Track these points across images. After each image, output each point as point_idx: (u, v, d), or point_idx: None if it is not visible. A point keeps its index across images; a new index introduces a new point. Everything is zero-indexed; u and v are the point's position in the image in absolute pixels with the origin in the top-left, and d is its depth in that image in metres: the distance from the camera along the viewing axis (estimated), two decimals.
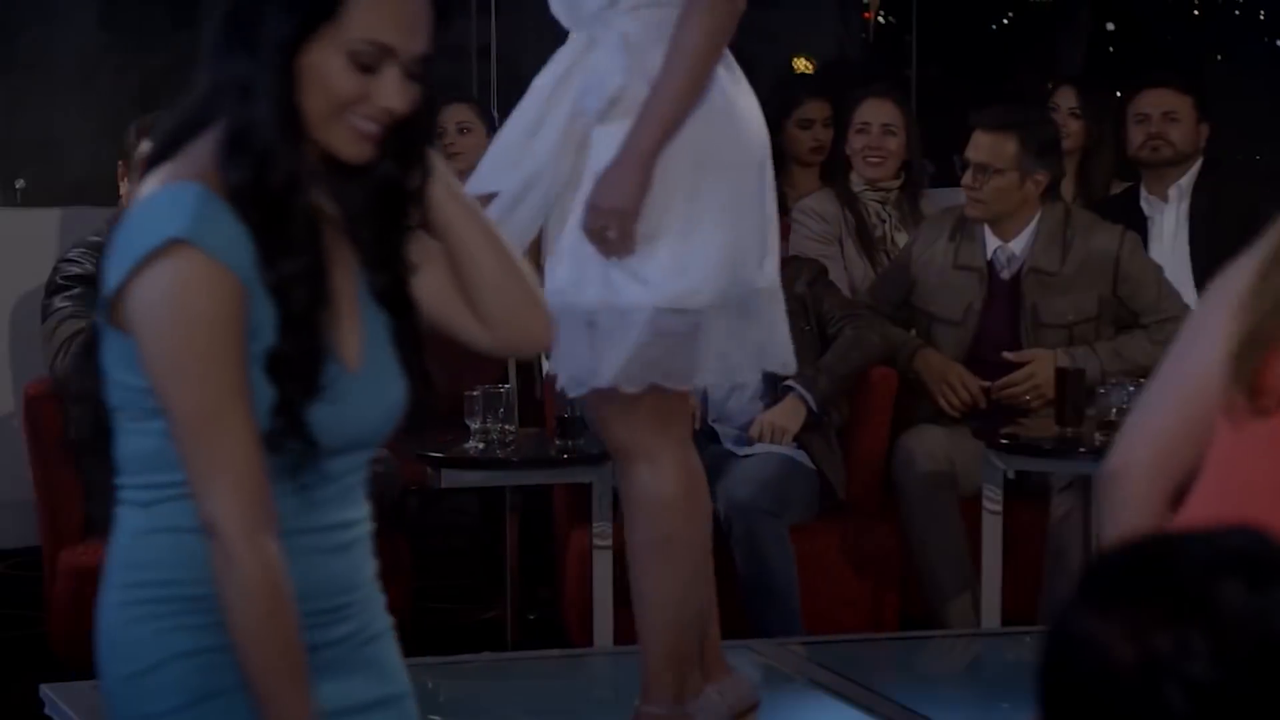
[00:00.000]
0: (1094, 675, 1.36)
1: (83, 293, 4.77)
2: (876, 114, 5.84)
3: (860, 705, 3.95)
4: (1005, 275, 5.24)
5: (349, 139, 2.15)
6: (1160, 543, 1.40)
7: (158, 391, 2.08)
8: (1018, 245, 5.23)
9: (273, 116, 2.11)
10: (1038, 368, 5.12)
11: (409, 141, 2.20)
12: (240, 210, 2.09)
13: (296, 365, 2.11)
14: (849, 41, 8.01)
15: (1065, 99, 6.14)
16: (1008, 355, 5.18)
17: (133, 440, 2.15)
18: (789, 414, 5.05)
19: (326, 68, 2.12)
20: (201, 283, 2.06)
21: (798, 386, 5.05)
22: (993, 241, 5.25)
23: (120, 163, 4.94)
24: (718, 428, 5.17)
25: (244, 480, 2.06)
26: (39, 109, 6.84)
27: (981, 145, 5.16)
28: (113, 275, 2.10)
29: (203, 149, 2.14)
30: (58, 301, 4.78)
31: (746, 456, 5.05)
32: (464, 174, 6.63)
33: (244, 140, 2.11)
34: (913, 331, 5.38)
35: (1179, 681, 1.33)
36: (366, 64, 2.13)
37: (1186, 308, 5.30)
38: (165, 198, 2.10)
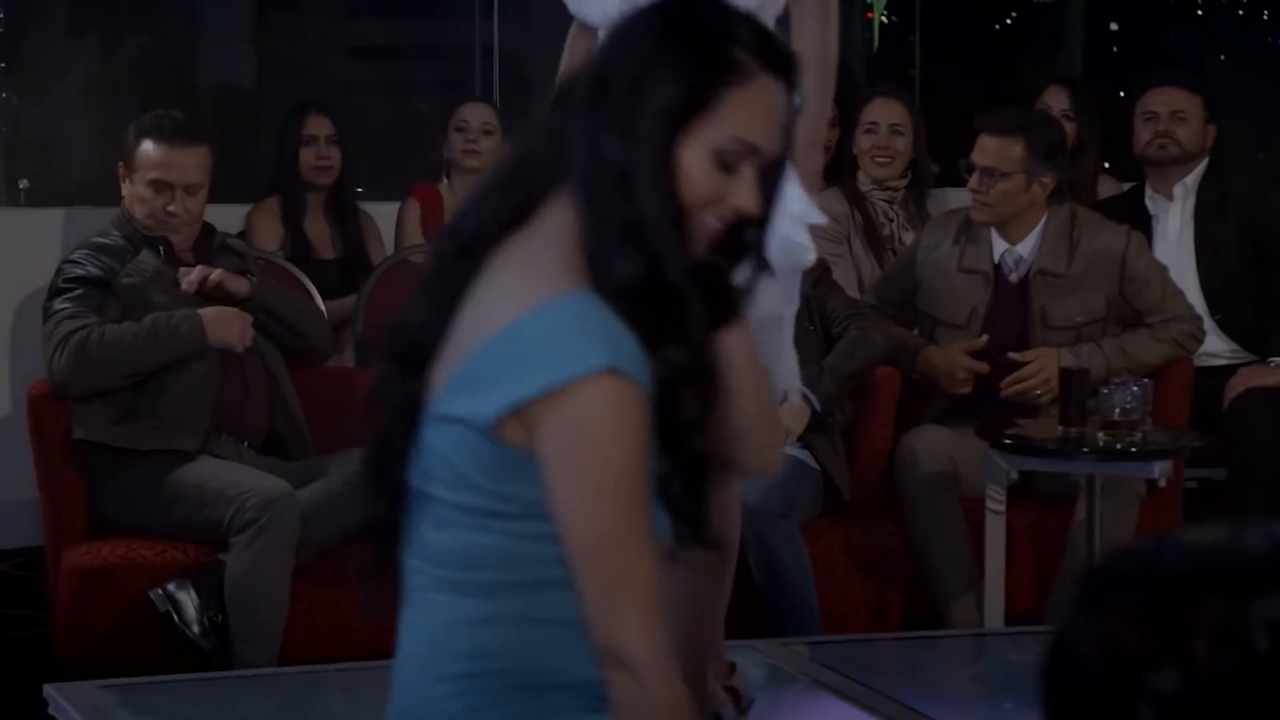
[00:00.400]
0: (1072, 678, 1.36)
1: (84, 294, 4.77)
2: (884, 113, 5.84)
3: (863, 705, 3.95)
4: (1014, 278, 5.23)
5: (694, 236, 2.08)
6: (1154, 549, 1.40)
7: (561, 511, 2.02)
8: (1025, 248, 5.23)
9: (662, 211, 2.04)
10: (1044, 363, 5.11)
11: (743, 240, 2.13)
12: (627, 311, 2.02)
13: (693, 474, 2.07)
14: (853, 41, 7.99)
15: (1057, 100, 6.14)
16: (1013, 355, 5.17)
17: (479, 536, 2.08)
18: (794, 415, 5.05)
19: (690, 163, 2.06)
20: (625, 410, 1.99)
21: (802, 387, 5.04)
22: (1000, 245, 5.25)
23: (121, 164, 4.93)
24: None
25: (651, 608, 2.01)
26: (42, 109, 6.84)
27: (987, 149, 5.16)
28: (512, 390, 2.02)
29: (555, 236, 2.06)
30: (58, 303, 4.78)
31: None
32: (478, 175, 6.68)
33: (633, 235, 2.04)
34: (915, 332, 5.38)
35: (1146, 692, 1.32)
36: (729, 163, 2.07)
37: (1191, 308, 5.30)
38: (571, 314, 2.02)
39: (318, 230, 6.19)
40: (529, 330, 2.02)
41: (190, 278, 4.82)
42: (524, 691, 2.09)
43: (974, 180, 5.19)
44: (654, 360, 2.03)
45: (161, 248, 4.85)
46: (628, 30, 2.12)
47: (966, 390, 5.18)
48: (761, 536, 4.87)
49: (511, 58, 7.17)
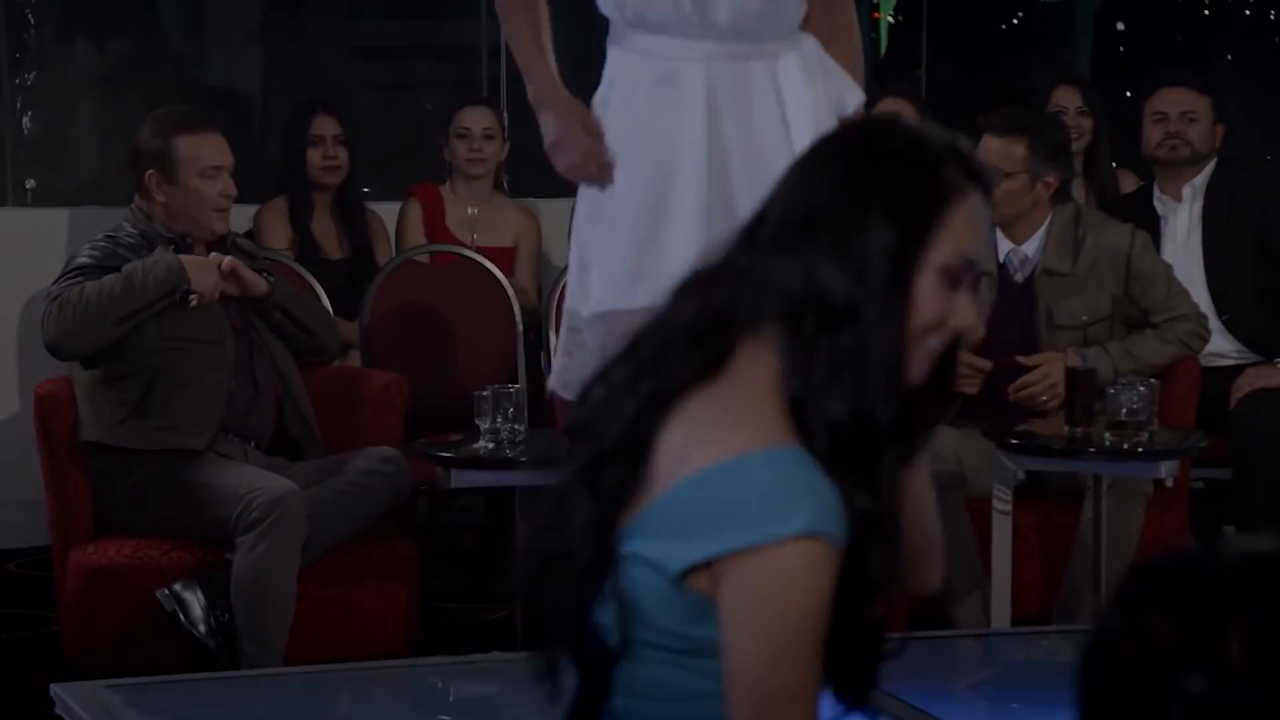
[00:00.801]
0: (1106, 673, 1.36)
1: (85, 279, 4.77)
2: (892, 113, 5.85)
3: (869, 705, 3.94)
4: (1019, 278, 5.23)
5: (918, 364, 2.02)
6: (1199, 550, 1.40)
7: (730, 662, 1.97)
8: (1030, 247, 5.22)
9: (892, 343, 1.97)
10: (1051, 367, 5.11)
11: (952, 362, 2.08)
12: (831, 459, 1.96)
13: (868, 639, 2.05)
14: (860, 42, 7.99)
15: (1069, 99, 6.15)
16: (1021, 359, 5.17)
17: (662, 670, 2.04)
18: None
19: (921, 289, 2.00)
20: (816, 573, 1.94)
21: None
22: (1005, 245, 5.24)
23: (151, 173, 4.82)
24: None
25: None
26: (47, 110, 6.85)
27: (990, 149, 5.16)
28: (705, 545, 1.96)
29: (756, 383, 2.00)
30: (56, 286, 4.79)
31: None
32: (482, 180, 6.72)
33: (849, 372, 1.97)
34: None
35: (1178, 691, 1.33)
36: (954, 281, 2.02)
37: (1195, 307, 5.30)
38: (772, 469, 1.95)
39: (325, 230, 6.19)
40: (727, 481, 1.96)
41: (223, 265, 4.83)
42: None
43: None
44: (848, 511, 1.97)
45: (174, 246, 4.84)
46: (825, 165, 2.05)
47: (973, 390, 5.18)
48: None
49: None
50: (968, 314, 2.03)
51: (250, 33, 7.38)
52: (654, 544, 2.01)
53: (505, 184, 6.45)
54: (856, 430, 1.97)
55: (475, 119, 6.22)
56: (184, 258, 4.78)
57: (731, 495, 1.96)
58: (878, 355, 1.97)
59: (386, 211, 6.32)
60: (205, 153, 4.84)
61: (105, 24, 7.07)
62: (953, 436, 5.12)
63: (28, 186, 6.70)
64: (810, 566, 1.93)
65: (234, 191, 4.89)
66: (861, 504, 1.98)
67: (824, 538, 1.94)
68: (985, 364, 5.17)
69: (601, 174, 3.55)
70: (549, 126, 3.62)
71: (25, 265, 6.43)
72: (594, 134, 3.60)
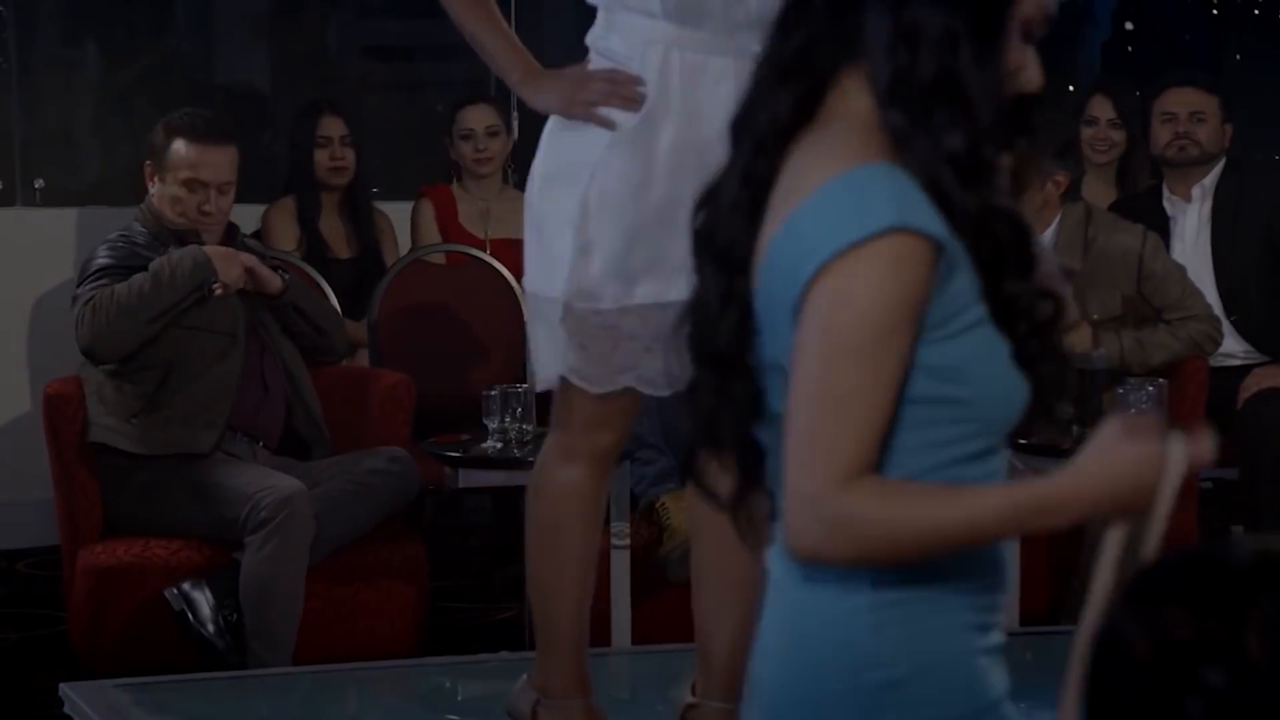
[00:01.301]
0: (1120, 670, 1.36)
1: (110, 281, 4.77)
2: None
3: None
4: None
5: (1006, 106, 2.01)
6: (1213, 546, 1.40)
7: (800, 366, 1.91)
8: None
9: (991, 79, 1.96)
10: None
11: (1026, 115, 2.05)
12: (937, 180, 1.93)
13: (1041, 331, 1.98)
14: None
15: (1103, 110, 6.17)
16: None
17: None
18: None
19: (1009, 32, 1.99)
20: (904, 270, 1.89)
21: None
22: None
23: (148, 163, 4.90)
24: None
25: (846, 469, 1.89)
26: (57, 110, 6.85)
27: None
28: (802, 269, 1.92)
29: (852, 119, 1.98)
30: (84, 289, 4.78)
31: None
32: (489, 178, 6.70)
33: (950, 105, 1.95)
34: None
35: (1196, 685, 1.32)
36: (1028, 35, 2.02)
37: (1210, 309, 5.30)
38: (866, 178, 1.93)
39: (333, 230, 6.20)
40: (819, 203, 1.93)
41: (243, 257, 4.84)
42: (924, 604, 2.01)
43: None
44: (970, 231, 1.94)
45: (182, 244, 4.85)
46: None
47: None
48: None
49: None
50: (1036, 68, 2.03)
51: (259, 33, 7.38)
52: (774, 291, 1.97)
53: (512, 179, 6.45)
54: (967, 160, 1.94)
55: (478, 118, 6.22)
56: (208, 249, 4.79)
57: (821, 215, 1.93)
58: (982, 84, 1.95)
59: (394, 211, 6.32)
60: (194, 161, 4.84)
61: (114, 25, 7.08)
62: None
63: (37, 186, 6.71)
64: (896, 261, 1.89)
65: (218, 210, 4.86)
66: (972, 205, 1.94)
67: (913, 231, 1.90)
68: None
69: (635, 96, 3.28)
70: (555, 85, 3.34)
71: (34, 265, 6.44)
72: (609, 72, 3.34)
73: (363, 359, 5.90)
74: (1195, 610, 1.35)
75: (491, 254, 6.06)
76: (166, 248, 4.82)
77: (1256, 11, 9.52)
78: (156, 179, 4.88)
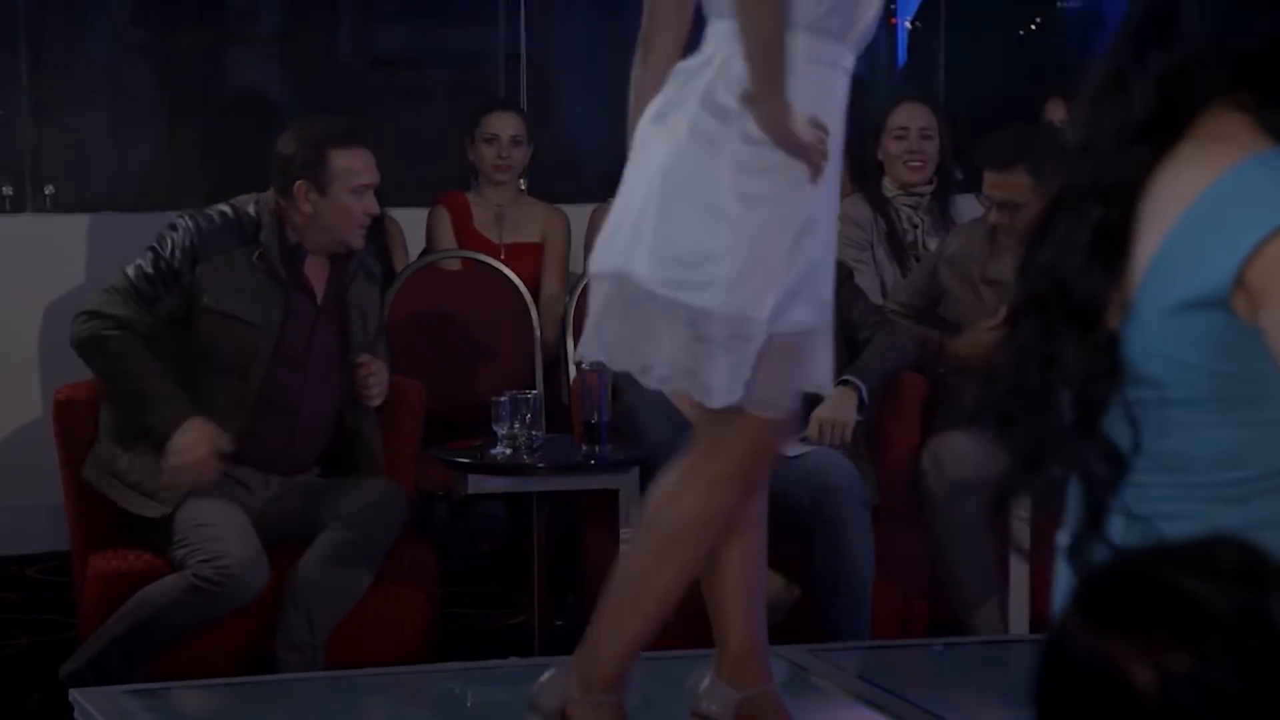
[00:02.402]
0: (1113, 700, 1.36)
1: (152, 277, 4.61)
2: (913, 118, 5.83)
3: (888, 712, 3.94)
4: None
5: None
6: (1154, 557, 1.41)
7: None
8: None
9: None
10: None
11: None
12: None
13: None
14: (877, 47, 7.99)
15: (1055, 112, 6.20)
16: None
17: (1212, 432, 2.00)
18: (843, 407, 4.96)
19: None
20: None
21: (850, 376, 4.98)
22: None
23: (301, 181, 4.65)
24: None
25: None
26: (68, 115, 6.86)
27: (997, 184, 5.16)
28: (1240, 241, 1.92)
29: (1220, 131, 2.00)
30: (131, 269, 4.64)
31: (798, 456, 4.77)
32: (508, 185, 6.69)
33: None
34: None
35: (1203, 696, 1.33)
36: None
37: None
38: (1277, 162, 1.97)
39: None
40: (1233, 186, 1.95)
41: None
42: None
43: (995, 215, 5.18)
44: None
45: (287, 253, 4.71)
46: None
47: None
48: (835, 520, 4.81)
49: (535, 64, 7.17)
50: None
51: (270, 40, 7.39)
52: (1176, 287, 1.96)
53: (525, 187, 6.45)
54: None
55: (503, 124, 6.20)
56: (173, 451, 4.56)
57: (1242, 196, 1.94)
58: None
59: (404, 218, 6.32)
60: (358, 168, 4.71)
61: (127, 30, 7.08)
62: (971, 442, 5.12)
63: (47, 193, 6.72)
64: None
65: (378, 210, 4.79)
66: None
67: None
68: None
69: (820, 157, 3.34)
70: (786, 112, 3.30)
71: (45, 271, 6.45)
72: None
73: None
74: (1157, 636, 1.35)
75: (506, 259, 6.06)
76: (258, 244, 4.69)
77: None
78: (313, 194, 4.67)
